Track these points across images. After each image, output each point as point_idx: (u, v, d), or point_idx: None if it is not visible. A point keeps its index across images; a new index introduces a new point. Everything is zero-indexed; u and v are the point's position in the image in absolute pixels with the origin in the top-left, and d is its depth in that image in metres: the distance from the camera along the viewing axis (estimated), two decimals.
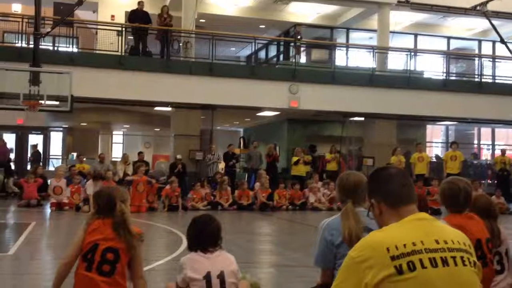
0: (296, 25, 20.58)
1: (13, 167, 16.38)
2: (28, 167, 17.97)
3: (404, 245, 1.86)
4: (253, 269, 6.07)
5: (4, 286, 5.73)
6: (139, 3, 16.28)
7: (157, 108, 17.89)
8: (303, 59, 20.57)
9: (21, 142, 21.40)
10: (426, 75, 20.42)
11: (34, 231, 9.32)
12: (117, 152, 23.77)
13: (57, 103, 13.07)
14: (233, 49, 22.60)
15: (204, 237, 3.50)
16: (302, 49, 20.16)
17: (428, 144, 23.57)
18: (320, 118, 19.45)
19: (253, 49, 20.04)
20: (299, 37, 19.42)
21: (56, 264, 6.53)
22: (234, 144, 19.09)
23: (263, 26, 21.93)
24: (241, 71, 17.45)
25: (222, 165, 16.75)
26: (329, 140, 18.84)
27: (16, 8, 19.43)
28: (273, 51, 21.98)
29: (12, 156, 16.92)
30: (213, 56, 16.59)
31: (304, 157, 16.22)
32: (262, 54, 22.21)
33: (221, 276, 3.38)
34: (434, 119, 20.47)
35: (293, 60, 18.47)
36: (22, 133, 21.48)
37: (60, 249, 7.82)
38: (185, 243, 7.85)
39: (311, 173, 15.84)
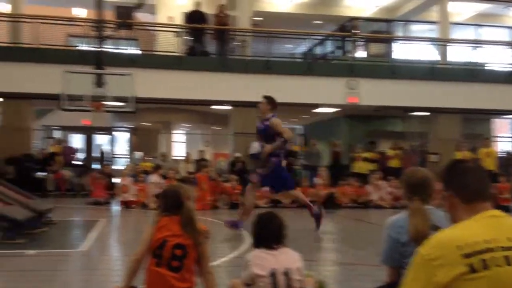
0: (353, 19, 20.32)
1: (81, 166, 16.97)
2: (95, 167, 18.64)
3: (477, 243, 1.82)
4: (316, 267, 6.06)
5: (75, 282, 5.98)
6: (196, 3, 16.55)
7: (214, 107, 18.14)
8: (361, 53, 20.29)
9: (88, 142, 22.25)
10: (490, 67, 19.69)
11: (103, 228, 9.66)
12: (178, 151, 24.28)
13: (121, 104, 13.50)
14: (289, 46, 22.56)
15: (268, 234, 3.54)
16: (359, 43, 19.89)
17: (495, 139, 22.70)
18: (380, 114, 19.12)
19: (309, 46, 19.92)
20: (355, 31, 19.17)
21: (126, 260, 6.80)
22: (293, 141, 19.06)
23: (319, 22, 21.79)
24: (298, 68, 17.42)
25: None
26: (391, 136, 18.49)
27: (79, 12, 20.18)
28: (329, 46, 21.79)
29: (80, 156, 17.62)
30: (269, 54, 16.65)
31: (363, 154, 16.02)
32: (318, 50, 22.07)
33: (286, 273, 3.41)
34: (501, 113, 19.70)
35: (351, 55, 18.25)
36: (88, 134, 22.34)
37: (129, 245, 8.10)
38: (247, 240, 7.95)
39: (373, 170, 15.60)
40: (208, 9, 17.07)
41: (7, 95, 15.46)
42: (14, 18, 15.90)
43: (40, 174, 15.92)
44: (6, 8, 17.23)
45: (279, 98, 15.98)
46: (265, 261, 3.42)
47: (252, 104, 16.42)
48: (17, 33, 15.69)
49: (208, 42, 16.75)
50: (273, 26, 18.20)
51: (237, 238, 8.52)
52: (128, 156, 23.28)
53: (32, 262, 6.68)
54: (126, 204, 12.92)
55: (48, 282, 5.79)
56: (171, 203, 3.57)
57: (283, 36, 19.39)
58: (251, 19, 18.13)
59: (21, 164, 15.05)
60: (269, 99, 8.20)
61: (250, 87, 15.88)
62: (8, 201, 8.22)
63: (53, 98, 13.34)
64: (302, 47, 22.57)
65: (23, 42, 15.63)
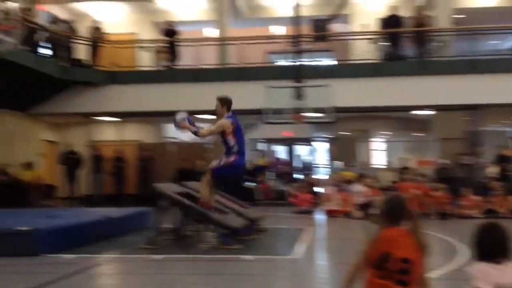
0: None
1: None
2: (298, 177, 19.31)
3: None
4: None
5: (286, 287, 6.23)
6: (391, 8, 16.20)
7: (415, 112, 17.47)
8: None
9: (290, 153, 23.19)
10: None
11: (310, 236, 9.92)
12: (377, 159, 23.93)
13: (320, 115, 13.77)
14: (496, 42, 20.73)
15: (491, 247, 3.24)
16: None
17: None
18: None
19: None
20: None
21: (335, 268, 6.90)
22: (507, 145, 17.45)
23: None
24: (508, 65, 15.87)
25: (494, 169, 15.44)
26: None
27: (277, 29, 21.15)
28: None
29: (284, 167, 18.41)
30: (474, 52, 15.50)
31: None
32: None
33: None
34: None
35: None
36: (290, 145, 23.29)
37: (336, 254, 8.21)
38: (460, 252, 7.47)
39: None
40: (405, 12, 16.56)
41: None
42: (221, 42, 17.33)
43: (249, 184, 17.04)
44: (215, 33, 18.91)
45: (488, 100, 14.90)
46: (489, 275, 3.14)
47: (458, 107, 15.48)
48: (224, 55, 17.07)
49: (406, 45, 16.22)
50: (476, 23, 16.92)
51: (447, 250, 8.05)
52: (329, 166, 23.62)
53: (248, 267, 7.14)
54: (330, 213, 13.10)
55: (264, 286, 6.13)
56: (396, 213, 3.44)
57: (488, 32, 17.87)
58: (451, 17, 17.11)
59: None
60: (222, 100, 7.74)
61: (454, 89, 14.95)
62: (224, 209, 8.92)
63: (257, 113, 14.18)
64: (510, 42, 20.58)
65: (229, 63, 16.94)
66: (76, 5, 18.72)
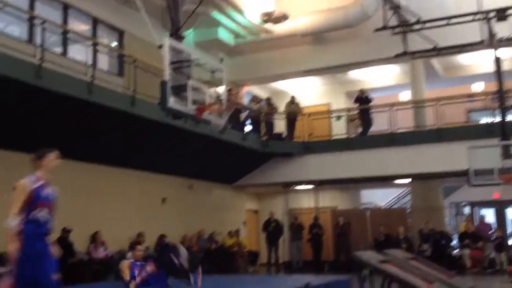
0: None
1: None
2: (510, 242, 17.43)
3: None
4: None
5: None
6: None
7: None
8: None
9: (500, 217, 21.15)
10: None
11: None
12: None
13: None
14: None
15: None
16: None
17: None
18: None
19: None
20: None
21: None
22: None
23: None
24: None
25: None
26: None
27: (478, 87, 19.97)
28: None
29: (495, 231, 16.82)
30: None
31: None
32: None
33: None
34: None
35: None
36: (500, 208, 21.27)
37: None
38: None
39: None
40: None
41: (415, 176, 16.32)
42: (416, 104, 16.94)
43: (456, 251, 15.87)
44: (408, 97, 18.63)
45: None
46: None
47: None
48: (421, 117, 16.61)
49: None
50: None
51: None
52: None
53: None
54: None
55: None
56: None
57: None
58: None
59: (436, 242, 15.34)
60: None
61: None
62: (429, 279, 8.40)
63: (460, 174, 13.35)
64: None
65: (426, 125, 16.37)
66: (274, 84, 20.11)
